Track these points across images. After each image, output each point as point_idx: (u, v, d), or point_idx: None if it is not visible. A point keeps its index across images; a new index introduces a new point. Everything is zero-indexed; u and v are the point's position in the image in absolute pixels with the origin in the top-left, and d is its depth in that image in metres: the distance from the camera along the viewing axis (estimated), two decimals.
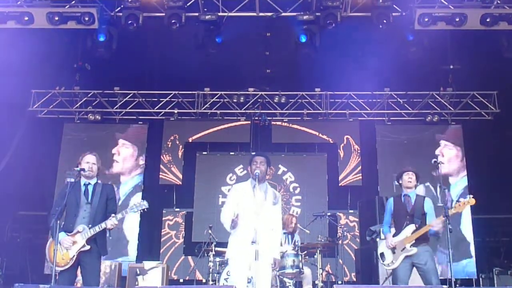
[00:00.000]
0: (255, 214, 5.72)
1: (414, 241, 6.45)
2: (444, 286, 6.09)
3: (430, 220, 6.50)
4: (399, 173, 6.88)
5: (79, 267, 5.83)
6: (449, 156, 12.47)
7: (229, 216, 5.87)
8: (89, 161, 5.96)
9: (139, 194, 12.37)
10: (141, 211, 5.99)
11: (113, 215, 5.79)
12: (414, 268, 6.55)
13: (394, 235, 6.66)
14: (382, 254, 6.77)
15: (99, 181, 6.08)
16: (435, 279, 6.31)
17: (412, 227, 6.52)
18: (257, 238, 5.57)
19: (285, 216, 9.25)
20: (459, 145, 12.59)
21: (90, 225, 5.76)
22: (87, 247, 5.71)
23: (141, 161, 12.85)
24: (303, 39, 9.48)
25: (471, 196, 6.31)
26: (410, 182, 6.71)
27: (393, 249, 6.60)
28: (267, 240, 5.77)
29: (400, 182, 6.81)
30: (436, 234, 6.59)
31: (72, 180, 5.81)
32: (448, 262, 6.13)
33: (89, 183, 5.97)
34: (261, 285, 5.62)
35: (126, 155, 12.80)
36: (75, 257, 5.71)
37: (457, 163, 12.40)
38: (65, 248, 5.69)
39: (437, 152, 12.39)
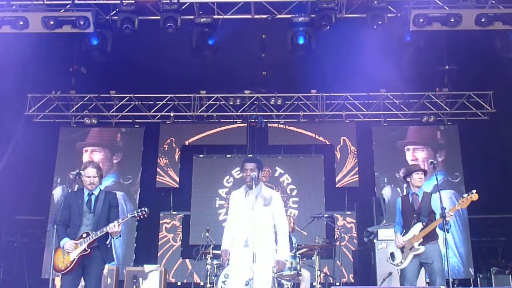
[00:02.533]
0: (246, 219, 5.86)
1: (422, 240, 6.39)
2: (442, 286, 6.08)
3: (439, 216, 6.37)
4: (408, 171, 6.76)
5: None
6: (422, 158, 12.55)
7: (228, 236, 6.11)
8: (90, 175, 5.97)
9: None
10: (141, 216, 6.00)
11: (117, 220, 5.81)
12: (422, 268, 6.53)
13: (403, 235, 6.61)
14: (392, 254, 6.70)
15: (102, 190, 6.11)
16: (439, 280, 6.25)
17: (419, 225, 6.45)
18: (250, 242, 5.67)
19: None
20: (426, 144, 12.66)
21: (94, 231, 5.79)
22: (88, 251, 5.73)
23: (115, 160, 12.82)
24: (301, 40, 9.47)
25: (475, 191, 6.18)
26: (421, 180, 6.64)
27: (402, 249, 6.55)
28: (264, 243, 5.82)
29: (409, 180, 6.70)
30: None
31: (70, 190, 5.90)
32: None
33: (93, 193, 6.00)
34: (260, 287, 5.64)
35: (98, 160, 12.64)
36: (75, 260, 5.72)
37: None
38: (67, 251, 5.72)
39: (409, 157, 12.52)
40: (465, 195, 6.20)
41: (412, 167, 6.84)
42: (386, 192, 12.17)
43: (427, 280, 6.53)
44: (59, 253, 5.79)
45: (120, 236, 5.93)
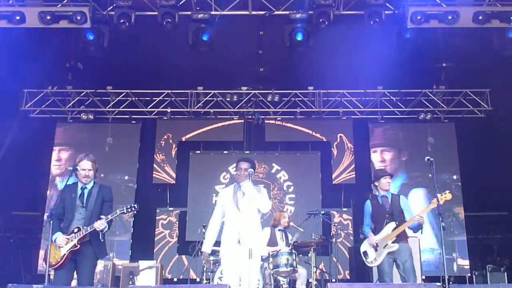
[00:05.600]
0: (237, 216, 6.07)
1: (395, 238, 6.76)
2: (438, 283, 6.15)
3: (408, 216, 6.85)
4: (376, 176, 7.24)
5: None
6: (389, 158, 12.69)
7: (215, 226, 6.31)
8: (85, 168, 5.95)
9: None
10: (130, 212, 5.97)
11: (102, 216, 5.77)
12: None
13: (375, 234, 6.95)
14: (365, 253, 7.06)
15: (96, 183, 6.08)
16: (413, 278, 6.60)
17: (392, 224, 6.82)
18: (242, 238, 5.94)
19: (277, 213, 9.29)
20: (393, 145, 12.76)
21: (85, 227, 5.77)
22: (78, 247, 5.71)
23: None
24: (300, 37, 9.44)
25: (448, 191, 6.50)
26: (388, 184, 7.08)
27: (375, 247, 6.88)
28: (255, 237, 6.08)
29: (377, 184, 7.13)
30: (418, 228, 6.92)
31: (68, 182, 5.93)
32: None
33: (86, 187, 5.98)
34: (250, 279, 5.86)
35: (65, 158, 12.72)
36: (65, 256, 5.70)
37: (397, 163, 12.62)
38: (59, 246, 5.70)
39: (375, 158, 12.66)
40: (438, 194, 6.33)
41: (379, 172, 7.34)
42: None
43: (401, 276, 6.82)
44: (52, 247, 5.75)
45: (108, 229, 5.86)
